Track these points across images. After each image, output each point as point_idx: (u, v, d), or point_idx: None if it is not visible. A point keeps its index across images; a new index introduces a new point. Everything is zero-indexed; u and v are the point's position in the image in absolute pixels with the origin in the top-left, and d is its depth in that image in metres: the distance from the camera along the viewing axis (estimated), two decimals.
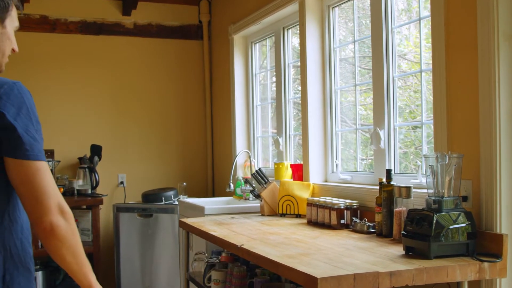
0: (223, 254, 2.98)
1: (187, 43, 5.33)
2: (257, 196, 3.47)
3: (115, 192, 5.09)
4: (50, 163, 4.64)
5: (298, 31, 3.65)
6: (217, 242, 2.64)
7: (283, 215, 3.33)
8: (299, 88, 3.85)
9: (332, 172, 3.45)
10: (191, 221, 3.18)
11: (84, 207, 4.70)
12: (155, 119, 5.22)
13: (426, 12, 2.70)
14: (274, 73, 4.27)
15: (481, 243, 2.09)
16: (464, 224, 2.05)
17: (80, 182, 4.74)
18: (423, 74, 2.71)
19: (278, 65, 4.16)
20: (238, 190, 4.24)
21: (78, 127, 4.96)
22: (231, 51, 4.75)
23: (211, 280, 2.91)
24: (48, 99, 4.80)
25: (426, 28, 2.72)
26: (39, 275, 4.37)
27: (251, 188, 3.62)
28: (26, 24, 4.70)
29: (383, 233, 2.52)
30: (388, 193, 2.51)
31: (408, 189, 2.39)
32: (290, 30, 4.09)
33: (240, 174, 4.55)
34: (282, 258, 2.06)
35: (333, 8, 3.46)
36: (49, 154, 4.76)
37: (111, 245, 4.88)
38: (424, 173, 2.52)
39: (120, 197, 5.07)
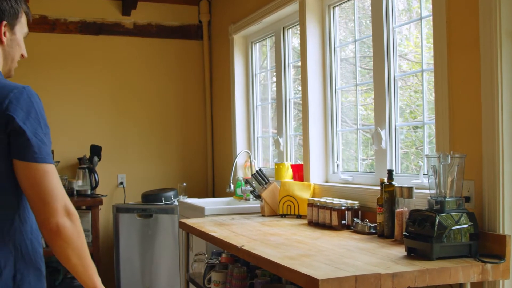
0: (223, 255, 2.96)
1: (187, 43, 5.31)
2: (258, 197, 3.46)
3: (114, 193, 5.07)
4: None
5: (299, 31, 3.64)
6: (217, 243, 2.62)
7: (283, 215, 3.31)
8: (299, 88, 3.83)
9: (333, 172, 3.43)
10: (191, 221, 3.16)
11: (84, 207, 4.68)
12: (155, 119, 5.21)
13: (426, 12, 2.69)
14: (275, 73, 4.25)
15: (483, 244, 2.07)
16: (466, 225, 2.03)
17: (80, 182, 4.72)
18: (425, 73, 2.69)
19: (278, 65, 4.14)
20: (239, 191, 4.22)
21: (77, 127, 4.94)
22: (231, 51, 4.73)
23: (211, 281, 2.89)
24: (48, 99, 4.78)
25: (426, 28, 2.70)
26: None
27: (251, 189, 3.60)
28: None
29: (385, 234, 2.50)
30: (390, 193, 2.49)
31: (409, 189, 2.37)
32: (290, 30, 4.07)
33: (241, 175, 4.53)
34: (283, 259, 2.04)
35: (333, 7, 3.45)
36: None
37: (111, 245, 4.86)
38: (426, 173, 2.50)
39: (119, 197, 5.05)
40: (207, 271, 3.01)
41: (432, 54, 2.65)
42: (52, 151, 4.76)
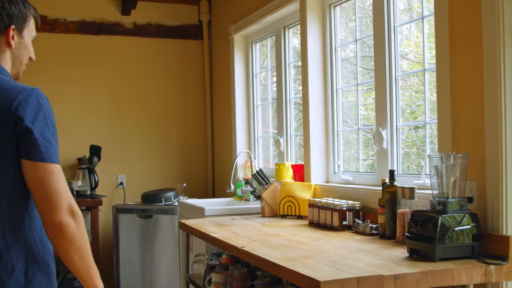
0: (224, 256, 2.95)
1: (187, 43, 5.30)
2: (258, 197, 3.44)
3: (114, 193, 5.05)
4: None
5: (299, 31, 3.62)
6: (218, 244, 2.61)
7: (284, 216, 3.29)
8: (300, 88, 3.82)
9: (334, 172, 3.41)
10: (191, 222, 3.14)
11: (83, 208, 4.66)
12: (155, 119, 5.19)
13: (427, 12, 2.67)
14: (275, 73, 4.23)
15: (486, 245, 2.05)
16: (469, 226, 2.01)
17: (79, 183, 4.70)
18: (426, 73, 2.67)
19: (278, 65, 4.12)
20: (239, 191, 4.20)
21: (77, 127, 4.92)
22: (231, 51, 4.72)
23: (211, 282, 2.87)
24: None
25: (426, 28, 2.68)
26: None
27: (251, 189, 3.59)
28: None
29: (386, 234, 2.48)
30: (391, 194, 2.48)
31: (411, 190, 2.35)
32: (290, 29, 4.05)
33: (241, 175, 4.51)
34: (284, 260, 2.02)
35: (334, 7, 3.43)
36: None
37: (111, 246, 4.84)
38: (428, 173, 2.49)
39: (119, 198, 5.03)
40: (207, 272, 2.99)
41: (433, 54, 2.63)
42: None
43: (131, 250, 4.61)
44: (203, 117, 5.35)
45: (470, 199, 2.15)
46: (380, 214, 2.52)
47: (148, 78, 5.18)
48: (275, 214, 3.37)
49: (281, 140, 4.08)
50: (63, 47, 4.91)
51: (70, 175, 4.83)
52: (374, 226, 2.60)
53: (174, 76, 5.27)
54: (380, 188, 2.60)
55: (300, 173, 3.53)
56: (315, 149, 3.43)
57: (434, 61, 2.43)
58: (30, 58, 1.79)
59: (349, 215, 2.77)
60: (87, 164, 4.75)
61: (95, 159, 4.76)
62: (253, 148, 4.65)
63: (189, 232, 3.11)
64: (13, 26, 1.69)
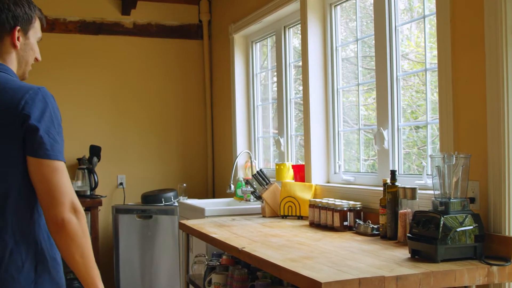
0: (224, 257, 2.93)
1: (187, 42, 5.28)
2: (258, 198, 3.43)
3: (114, 193, 5.04)
4: None
5: (299, 30, 3.60)
6: (218, 244, 2.59)
7: (284, 216, 3.28)
8: (300, 88, 3.80)
9: (335, 173, 3.40)
10: (191, 223, 3.13)
11: (83, 208, 4.64)
12: (155, 119, 5.18)
13: (428, 11, 2.65)
14: (275, 73, 4.22)
15: (489, 246, 2.03)
16: (471, 227, 2.00)
17: (79, 183, 4.68)
18: (428, 73, 2.65)
19: (279, 65, 4.11)
20: (239, 191, 4.19)
21: (76, 127, 4.90)
22: (231, 50, 4.70)
23: (211, 283, 2.86)
24: None
25: (427, 28, 2.66)
26: None
27: (252, 189, 3.57)
28: None
29: (388, 235, 2.47)
30: (393, 194, 2.46)
31: (413, 190, 2.33)
32: (291, 29, 4.04)
33: (241, 175, 4.50)
34: (285, 261, 2.01)
35: (335, 6, 3.41)
36: None
37: (110, 247, 4.83)
38: (430, 174, 2.47)
39: (119, 198, 5.02)
40: (207, 273, 2.98)
41: (433, 53, 2.62)
42: None
43: (131, 251, 4.59)
44: (203, 117, 5.33)
45: (472, 200, 2.13)
46: (381, 214, 2.51)
47: (148, 78, 5.17)
48: (275, 215, 3.36)
49: (281, 140, 4.06)
50: (63, 47, 4.89)
51: (69, 175, 4.78)
52: (375, 226, 2.58)
53: (174, 76, 5.25)
54: (381, 188, 2.58)
55: (301, 173, 3.52)
56: (315, 149, 3.42)
57: (435, 61, 2.42)
58: (36, 59, 1.82)
59: (350, 215, 2.75)
60: (86, 164, 4.73)
61: (95, 159, 4.74)
62: (253, 148, 4.64)
63: (189, 232, 3.10)
64: (18, 27, 1.71)
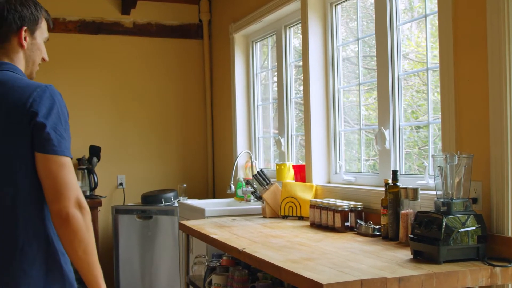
0: (224, 258, 2.91)
1: (187, 42, 5.27)
2: (259, 198, 3.41)
3: (114, 194, 5.02)
4: None
5: (300, 30, 3.59)
6: (218, 245, 2.57)
7: (285, 217, 3.26)
8: (301, 88, 3.78)
9: (336, 173, 3.38)
10: (191, 223, 3.11)
11: None
12: (155, 119, 5.16)
13: (429, 10, 2.63)
14: (276, 72, 4.20)
15: (491, 247, 2.02)
16: (474, 227, 1.98)
17: (79, 183, 4.66)
18: (429, 72, 2.63)
19: (279, 65, 4.09)
20: (239, 192, 4.17)
21: (76, 127, 4.85)
22: (231, 50, 4.68)
23: (211, 284, 2.85)
24: None
25: (428, 28, 2.65)
26: None
27: (252, 190, 3.56)
28: None
29: (389, 236, 2.45)
30: (394, 194, 2.44)
31: (415, 190, 2.31)
32: (291, 28, 4.02)
33: (241, 175, 4.48)
34: (286, 262, 1.99)
35: (335, 5, 3.39)
36: None
37: (110, 247, 4.81)
38: (432, 174, 2.45)
39: (119, 198, 5.00)
40: (207, 273, 2.96)
41: (434, 53, 2.60)
42: None
43: (130, 251, 4.58)
44: (203, 117, 5.31)
45: (474, 200, 2.12)
46: (382, 215, 2.49)
47: (148, 78, 5.15)
48: (276, 215, 3.34)
49: (282, 140, 4.05)
50: (62, 47, 4.87)
51: None
52: (377, 227, 2.56)
53: (174, 76, 5.24)
54: (383, 188, 2.56)
55: (301, 173, 3.50)
56: (316, 149, 3.40)
57: (436, 61, 2.40)
58: (43, 59, 1.86)
59: (351, 216, 2.74)
60: (86, 164, 4.72)
61: (95, 159, 4.73)
62: (253, 148, 4.62)
63: (189, 233, 3.08)
64: (25, 28, 1.76)
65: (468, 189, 2.07)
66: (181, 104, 5.26)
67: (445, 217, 1.96)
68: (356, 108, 3.31)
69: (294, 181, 3.52)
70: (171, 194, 4.68)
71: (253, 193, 3.49)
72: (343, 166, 3.35)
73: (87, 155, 4.78)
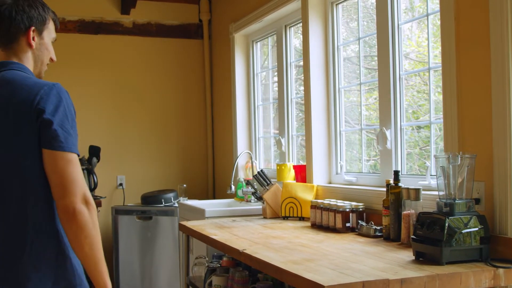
0: (224, 259, 2.89)
1: (187, 42, 5.25)
2: (259, 198, 3.39)
3: (113, 194, 5.01)
4: None
5: (301, 29, 3.57)
6: (218, 246, 2.55)
7: (286, 217, 3.24)
8: (301, 88, 3.77)
9: (336, 173, 3.36)
10: (191, 224, 3.09)
11: None
12: (155, 120, 5.15)
13: (430, 10, 2.61)
14: (276, 72, 4.18)
15: (494, 248, 2.00)
16: (476, 228, 1.96)
17: None
18: (431, 71, 2.61)
19: (280, 64, 4.07)
20: (240, 192, 4.15)
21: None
22: (232, 50, 4.67)
23: (212, 285, 2.83)
24: None
25: (429, 27, 2.63)
26: None
27: (252, 190, 3.54)
28: None
29: (391, 237, 2.43)
30: (396, 195, 2.42)
31: (417, 191, 2.29)
32: (292, 28, 4.00)
33: (242, 176, 4.46)
34: (286, 264, 1.97)
35: (336, 5, 3.38)
36: None
37: (110, 248, 4.79)
38: (434, 174, 2.43)
39: (119, 199, 4.98)
40: (207, 275, 2.94)
41: (435, 53, 2.58)
42: None
43: (130, 252, 4.56)
44: (203, 117, 5.30)
45: (477, 201, 2.10)
46: (384, 215, 2.47)
47: (148, 78, 5.14)
48: (276, 216, 3.32)
49: (282, 140, 4.03)
50: (61, 47, 4.84)
51: None
52: (378, 228, 2.54)
53: (174, 76, 5.22)
54: (384, 189, 2.54)
55: (302, 173, 3.48)
56: (317, 149, 3.38)
57: (437, 60, 2.38)
58: (51, 59, 1.91)
59: (352, 216, 2.72)
60: (86, 165, 4.69)
61: (94, 159, 4.71)
62: (254, 148, 4.60)
63: (189, 234, 3.06)
64: (33, 28, 1.80)
65: (471, 190, 2.05)
66: (181, 104, 5.24)
67: (448, 218, 1.94)
68: (357, 108, 3.29)
69: (294, 181, 3.50)
70: (171, 195, 4.67)
71: (253, 193, 3.48)
72: (344, 166, 3.34)
73: (86, 156, 4.76)
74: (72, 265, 1.70)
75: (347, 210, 2.71)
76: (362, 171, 3.22)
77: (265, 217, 3.33)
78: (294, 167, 3.57)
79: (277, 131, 4.20)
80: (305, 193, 3.25)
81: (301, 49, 3.72)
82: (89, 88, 4.93)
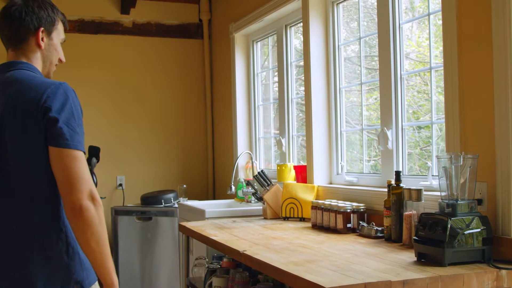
0: (225, 259, 2.88)
1: (187, 42, 5.23)
2: (260, 199, 3.38)
3: (113, 195, 4.99)
4: None
5: (301, 29, 3.55)
6: (219, 247, 2.54)
7: (286, 218, 3.22)
8: (302, 88, 3.75)
9: (337, 174, 3.34)
10: (191, 225, 3.08)
11: None
12: (155, 120, 5.13)
13: (431, 10, 2.60)
14: (276, 72, 4.17)
15: (497, 249, 1.98)
16: (479, 229, 1.94)
17: None
18: (433, 71, 2.60)
19: (280, 64, 4.06)
20: (240, 193, 4.14)
21: None
22: (232, 50, 4.65)
23: (212, 286, 2.81)
24: None
25: (430, 27, 2.61)
26: None
27: (253, 191, 3.52)
28: None
29: (392, 237, 2.41)
30: (397, 195, 2.41)
31: (418, 191, 2.27)
32: (292, 28, 3.99)
33: (242, 176, 4.45)
34: (287, 265, 1.96)
35: (337, 4, 3.36)
36: None
37: (110, 249, 4.78)
38: (436, 174, 2.42)
39: (118, 199, 4.97)
40: (207, 276, 2.93)
41: (435, 53, 2.57)
42: None
43: (130, 253, 4.55)
44: (203, 117, 5.28)
45: (480, 201, 2.08)
46: (385, 216, 2.45)
47: (147, 78, 5.12)
48: (277, 216, 3.30)
49: (283, 140, 4.01)
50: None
51: None
52: (380, 229, 2.53)
53: (174, 75, 5.21)
54: (385, 189, 2.53)
55: (303, 174, 3.46)
56: (317, 149, 3.36)
57: (438, 60, 2.36)
58: (60, 60, 1.93)
59: (353, 217, 2.70)
60: None
61: (94, 160, 4.68)
62: (254, 148, 4.59)
63: (189, 234, 3.04)
64: (42, 28, 1.83)
65: (473, 190, 2.03)
66: (181, 104, 5.22)
67: (450, 219, 1.92)
68: (357, 108, 3.28)
69: (295, 182, 3.49)
70: (171, 195, 4.65)
71: (253, 194, 3.46)
72: (344, 166, 3.32)
73: (86, 156, 4.73)
74: (81, 260, 1.73)
75: (348, 210, 2.70)
76: (363, 172, 3.20)
77: (265, 218, 3.32)
78: (295, 167, 3.55)
79: (278, 131, 4.19)
80: (306, 194, 3.23)
81: (301, 49, 3.71)
82: (88, 88, 4.92)
